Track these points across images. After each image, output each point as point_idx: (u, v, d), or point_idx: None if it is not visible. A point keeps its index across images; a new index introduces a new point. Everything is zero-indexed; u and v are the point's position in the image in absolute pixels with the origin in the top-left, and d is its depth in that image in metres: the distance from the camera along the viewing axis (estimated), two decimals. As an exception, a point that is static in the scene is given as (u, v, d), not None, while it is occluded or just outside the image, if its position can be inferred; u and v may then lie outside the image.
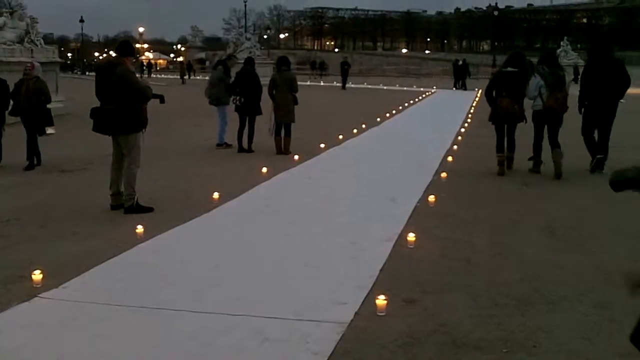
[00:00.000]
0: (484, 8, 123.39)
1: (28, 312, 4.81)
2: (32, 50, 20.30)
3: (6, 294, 5.14)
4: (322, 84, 46.84)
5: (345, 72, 40.50)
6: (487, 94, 10.84)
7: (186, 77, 55.55)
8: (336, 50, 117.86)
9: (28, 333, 4.40)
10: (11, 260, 6.03)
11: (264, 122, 13.05)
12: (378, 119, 19.78)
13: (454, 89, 40.96)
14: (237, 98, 13.08)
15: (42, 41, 21.59)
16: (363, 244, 6.61)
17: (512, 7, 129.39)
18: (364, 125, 17.59)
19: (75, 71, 75.80)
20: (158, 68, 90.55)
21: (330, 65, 74.01)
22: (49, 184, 9.88)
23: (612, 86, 10.40)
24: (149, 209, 7.94)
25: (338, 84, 42.40)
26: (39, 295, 5.11)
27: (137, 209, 7.86)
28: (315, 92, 33.05)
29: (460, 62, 44.55)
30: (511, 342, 4.32)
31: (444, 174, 10.38)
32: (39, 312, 4.81)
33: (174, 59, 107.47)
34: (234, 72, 14.11)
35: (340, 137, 15.11)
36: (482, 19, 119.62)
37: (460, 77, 42.10)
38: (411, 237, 6.58)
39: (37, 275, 5.35)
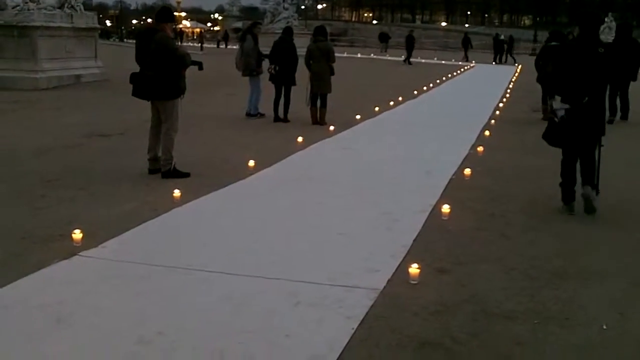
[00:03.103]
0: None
1: (68, 270, 4.94)
2: (72, 15, 20.40)
3: (47, 252, 5.28)
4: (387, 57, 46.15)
5: (411, 46, 38.67)
6: (536, 63, 14.08)
7: (223, 45, 55.68)
8: (374, 22, 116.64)
9: (69, 289, 4.53)
10: (52, 220, 6.18)
11: (300, 92, 13.05)
12: (415, 92, 19.65)
13: (494, 63, 40.45)
14: (272, 67, 13.07)
15: (81, 7, 21.60)
16: (397, 214, 6.63)
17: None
18: (400, 98, 17.50)
19: (113, 38, 76.18)
20: (195, 37, 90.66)
21: (368, 37, 73.06)
22: (88, 148, 10.03)
23: (629, 60, 13.59)
24: (186, 174, 8.04)
25: (373, 57, 41.81)
26: (79, 254, 5.24)
27: (174, 174, 7.96)
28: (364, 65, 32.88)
29: (502, 37, 44.19)
30: (543, 314, 4.33)
31: (480, 148, 10.31)
32: (79, 270, 4.94)
33: (211, 28, 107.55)
34: (261, 39, 14.02)
35: (377, 109, 15.06)
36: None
37: (501, 52, 41.87)
38: (445, 208, 6.58)
39: (77, 235, 5.48)
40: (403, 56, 39.76)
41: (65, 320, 4.03)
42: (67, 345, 3.75)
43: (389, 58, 44.56)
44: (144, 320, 4.06)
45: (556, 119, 6.54)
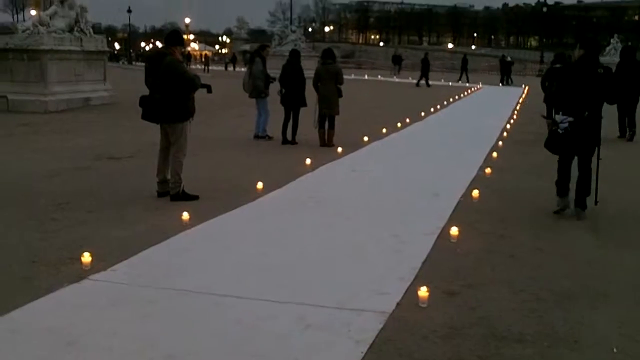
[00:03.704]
0: (533, 4, 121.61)
1: (78, 293, 4.96)
2: (81, 39, 20.58)
3: (57, 275, 5.31)
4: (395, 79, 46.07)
5: (426, 69, 38.10)
6: (542, 84, 15.06)
7: (230, 68, 55.96)
8: (381, 44, 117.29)
9: (78, 312, 4.55)
10: (62, 243, 6.21)
11: (309, 114, 13.10)
12: (422, 114, 19.69)
13: (500, 85, 40.53)
14: (280, 90, 13.19)
15: (91, 30, 21.77)
16: (405, 237, 6.63)
17: (561, 3, 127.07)
18: (407, 120, 17.54)
19: (122, 61, 76.80)
20: (202, 59, 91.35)
21: (376, 59, 73.21)
22: (97, 170, 10.09)
23: (634, 82, 14.11)
24: (195, 197, 8.08)
25: (380, 78, 41.76)
26: (89, 277, 5.26)
27: (183, 197, 8.00)
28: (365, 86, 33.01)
29: (509, 59, 44.35)
30: (553, 336, 4.31)
31: (488, 170, 10.32)
32: (89, 293, 4.96)
33: (219, 51, 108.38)
34: (269, 62, 14.13)
35: (384, 130, 15.11)
36: (531, 15, 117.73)
37: (508, 73, 42.00)
38: (454, 231, 6.58)
39: (86, 258, 5.51)
40: (411, 78, 39.74)
41: (75, 344, 4.04)
42: (77, 369, 3.76)
43: (397, 80, 44.68)
44: (153, 343, 4.07)
45: (560, 130, 7.29)
